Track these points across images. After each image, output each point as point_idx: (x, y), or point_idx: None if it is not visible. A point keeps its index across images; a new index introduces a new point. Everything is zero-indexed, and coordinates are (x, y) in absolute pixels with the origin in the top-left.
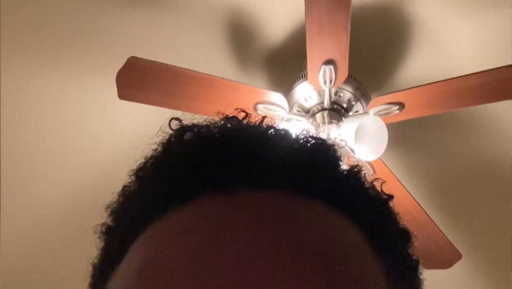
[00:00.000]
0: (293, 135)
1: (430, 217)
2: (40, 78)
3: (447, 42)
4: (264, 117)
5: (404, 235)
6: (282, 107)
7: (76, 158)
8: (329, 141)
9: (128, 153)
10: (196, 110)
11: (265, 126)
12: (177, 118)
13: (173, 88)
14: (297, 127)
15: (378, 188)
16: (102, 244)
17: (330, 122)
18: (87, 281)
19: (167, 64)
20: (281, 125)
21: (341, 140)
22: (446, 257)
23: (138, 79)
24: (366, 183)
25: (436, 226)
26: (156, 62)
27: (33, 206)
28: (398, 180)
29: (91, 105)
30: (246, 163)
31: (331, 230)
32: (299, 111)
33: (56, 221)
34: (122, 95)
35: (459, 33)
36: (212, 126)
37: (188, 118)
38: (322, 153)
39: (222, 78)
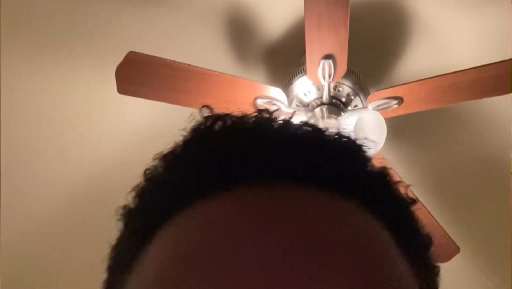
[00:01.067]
0: (326, 133)
1: (428, 211)
2: (40, 74)
3: (446, 37)
4: (293, 112)
5: (427, 240)
6: (281, 102)
7: (76, 153)
8: (359, 141)
9: (128, 147)
10: (195, 104)
11: (298, 122)
12: (208, 107)
13: (172, 83)
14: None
15: (403, 191)
16: (124, 227)
17: (329, 117)
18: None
19: (166, 59)
20: (297, 116)
21: (369, 141)
22: (444, 251)
23: (138, 74)
24: (394, 184)
25: (435, 219)
26: (155, 57)
27: (35, 201)
28: (397, 174)
29: (91, 100)
30: (280, 156)
31: (368, 230)
32: (298, 105)
33: (57, 215)
34: (122, 90)
35: (458, 28)
36: (244, 117)
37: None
38: (355, 152)
39: (221, 73)
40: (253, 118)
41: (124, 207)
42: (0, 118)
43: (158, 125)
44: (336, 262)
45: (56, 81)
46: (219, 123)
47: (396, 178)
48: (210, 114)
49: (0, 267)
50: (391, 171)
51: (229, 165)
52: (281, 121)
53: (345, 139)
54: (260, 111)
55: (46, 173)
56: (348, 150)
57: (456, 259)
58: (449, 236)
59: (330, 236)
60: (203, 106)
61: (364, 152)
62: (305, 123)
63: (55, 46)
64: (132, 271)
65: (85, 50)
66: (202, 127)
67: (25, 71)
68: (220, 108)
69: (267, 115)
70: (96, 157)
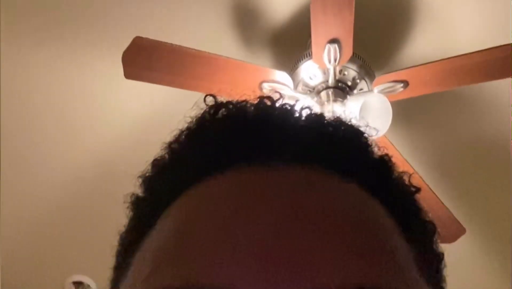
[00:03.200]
0: (327, 118)
1: (434, 192)
2: (46, 59)
3: (450, 21)
4: (297, 100)
5: (431, 227)
6: (287, 86)
7: (82, 136)
8: (361, 128)
9: (134, 131)
10: (202, 89)
11: (300, 107)
12: (211, 95)
13: (179, 67)
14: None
15: (407, 180)
16: (132, 213)
17: (334, 100)
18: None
19: (173, 44)
20: (299, 102)
21: (371, 128)
22: (450, 232)
23: (144, 59)
24: (396, 172)
25: (440, 201)
26: (162, 42)
27: (42, 185)
28: (403, 156)
29: (97, 85)
30: (281, 138)
31: (366, 209)
32: (304, 89)
33: (60, 199)
34: (128, 74)
35: (463, 11)
36: (247, 104)
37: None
38: (357, 137)
39: (228, 57)
40: (255, 105)
41: (132, 194)
42: (8, 104)
43: (165, 110)
44: (329, 230)
45: (63, 67)
46: (222, 111)
47: (399, 166)
48: (213, 102)
49: (8, 249)
50: (397, 158)
51: (229, 148)
52: (282, 107)
53: (346, 124)
54: (261, 97)
55: (53, 157)
56: (349, 134)
57: (462, 240)
58: (455, 217)
59: (326, 207)
60: (207, 95)
61: (366, 137)
62: (307, 109)
63: (61, 32)
64: (138, 250)
65: (91, 35)
66: (206, 115)
67: (32, 57)
68: (226, 92)
69: (268, 102)
70: (103, 142)
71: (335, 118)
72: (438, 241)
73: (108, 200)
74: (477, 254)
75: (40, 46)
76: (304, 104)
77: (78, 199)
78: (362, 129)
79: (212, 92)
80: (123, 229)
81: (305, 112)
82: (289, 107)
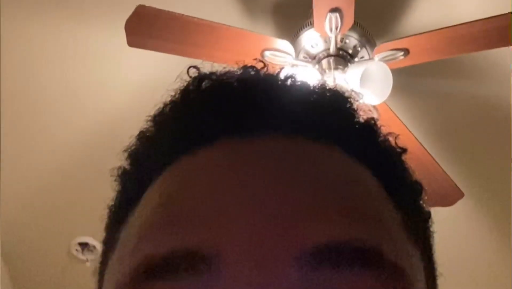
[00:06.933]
0: (311, 86)
1: (432, 157)
2: (49, 26)
3: None
4: (282, 68)
5: (417, 187)
6: (289, 54)
7: (85, 104)
8: (346, 94)
9: (137, 99)
10: (204, 57)
11: (284, 76)
12: (195, 67)
13: (181, 36)
14: (303, 73)
15: (393, 142)
16: (119, 187)
17: (336, 68)
18: (103, 222)
19: (175, 12)
20: (288, 71)
21: (356, 93)
22: (448, 195)
23: (146, 27)
24: (381, 134)
25: (439, 165)
26: (164, 10)
27: (43, 150)
28: (402, 122)
29: (100, 52)
30: (265, 108)
31: (350, 171)
32: (305, 57)
33: (63, 164)
34: (131, 42)
35: None
36: (230, 74)
37: (207, 67)
38: (341, 103)
39: (229, 25)
40: (238, 76)
41: (118, 168)
42: (10, 71)
43: (168, 78)
44: (314, 192)
45: (67, 32)
46: (206, 82)
47: (399, 132)
48: (196, 74)
49: (13, 213)
50: (397, 125)
51: (213, 120)
52: (266, 77)
53: (331, 91)
54: (245, 67)
55: (55, 122)
56: (333, 101)
57: (460, 204)
58: (453, 181)
59: (310, 172)
60: (190, 67)
61: (351, 103)
62: (291, 77)
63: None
64: (126, 224)
65: (94, 4)
66: (190, 87)
67: (35, 23)
68: (228, 60)
69: (252, 71)
70: (106, 107)
71: (319, 86)
72: (425, 200)
73: (112, 163)
74: (475, 218)
75: (43, 13)
76: (288, 73)
77: (81, 163)
78: (347, 94)
79: (214, 61)
80: (110, 203)
81: (289, 81)
82: (273, 77)
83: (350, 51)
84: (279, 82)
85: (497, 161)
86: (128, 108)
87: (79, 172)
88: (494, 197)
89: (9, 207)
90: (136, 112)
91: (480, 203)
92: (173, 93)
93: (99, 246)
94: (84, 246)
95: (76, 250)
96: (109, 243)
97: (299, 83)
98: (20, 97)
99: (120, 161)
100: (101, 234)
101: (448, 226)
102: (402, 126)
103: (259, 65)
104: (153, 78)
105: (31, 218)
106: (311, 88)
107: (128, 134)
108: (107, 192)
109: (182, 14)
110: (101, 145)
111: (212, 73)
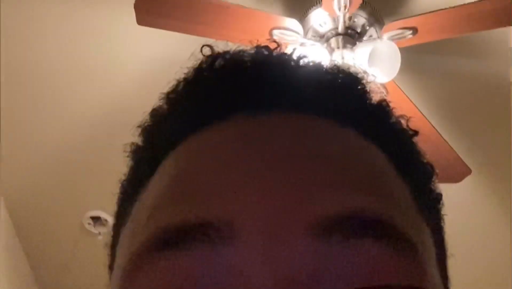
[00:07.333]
0: (324, 67)
1: (440, 135)
2: (59, 5)
3: None
4: (295, 48)
5: (429, 169)
6: (297, 33)
7: (97, 80)
8: (359, 75)
9: (149, 75)
10: (212, 35)
11: (297, 56)
12: (208, 45)
13: (190, 14)
14: (312, 51)
15: (404, 124)
16: (131, 162)
17: (344, 47)
18: (115, 196)
19: None
20: (297, 50)
21: (369, 74)
22: (456, 172)
23: (156, 6)
24: (393, 116)
25: (447, 142)
26: None
27: (55, 125)
28: (411, 100)
29: (110, 30)
30: (279, 86)
31: (363, 149)
32: (314, 36)
33: (74, 139)
34: (141, 21)
35: None
36: (244, 53)
37: (221, 47)
38: (354, 83)
39: (238, 4)
40: (251, 54)
41: (131, 144)
42: (20, 49)
43: (178, 56)
44: (327, 166)
45: (76, 11)
46: (219, 60)
47: (407, 110)
48: (210, 52)
49: (25, 188)
50: (405, 102)
51: (227, 96)
52: (280, 56)
53: (344, 72)
54: (258, 46)
55: (66, 98)
56: (347, 81)
57: (467, 181)
58: (461, 158)
59: (323, 147)
60: (204, 46)
61: (364, 83)
62: (304, 57)
63: None
64: (138, 198)
65: None
66: (203, 65)
67: (44, 3)
68: (236, 39)
69: (265, 51)
70: (118, 83)
71: (332, 66)
72: (437, 182)
73: (123, 139)
74: (481, 195)
75: None
76: (301, 53)
77: (92, 138)
78: (360, 75)
79: (223, 39)
80: (123, 178)
81: (302, 61)
82: (286, 57)
83: (359, 30)
84: (293, 61)
85: (508, 139)
86: (139, 84)
87: (90, 147)
88: (500, 174)
89: (21, 182)
90: (147, 89)
91: (486, 181)
92: (186, 71)
93: (111, 220)
94: (96, 219)
95: (88, 223)
96: (121, 216)
97: (312, 63)
98: (32, 74)
99: (132, 136)
100: (113, 208)
101: (453, 202)
102: (410, 104)
103: (273, 45)
104: (163, 56)
105: (43, 192)
106: (325, 68)
107: (139, 110)
108: (118, 166)
109: None
110: (112, 120)
111: (225, 52)
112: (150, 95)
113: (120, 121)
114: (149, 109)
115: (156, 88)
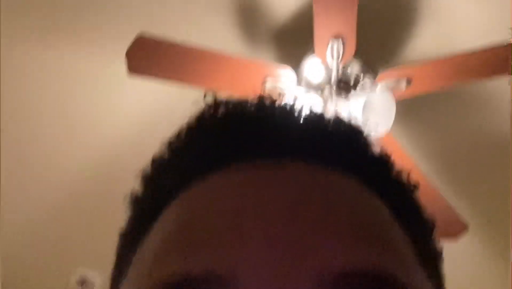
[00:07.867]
0: (327, 117)
1: (437, 190)
2: (50, 54)
3: (453, 18)
4: (296, 98)
5: (429, 224)
6: (291, 81)
7: (85, 134)
8: (361, 126)
9: (137, 130)
10: (206, 85)
11: (300, 106)
12: (211, 94)
13: (182, 64)
14: (306, 100)
15: (405, 177)
16: (131, 212)
17: (338, 97)
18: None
19: (176, 41)
20: (290, 99)
21: (371, 126)
22: (453, 229)
23: (147, 56)
24: (395, 169)
25: (443, 198)
26: (165, 38)
27: (42, 183)
28: (406, 153)
29: (100, 82)
30: (282, 135)
31: (366, 200)
32: (307, 85)
33: (62, 198)
34: (132, 71)
35: (465, 8)
36: (246, 102)
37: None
38: (357, 134)
39: (231, 54)
40: (255, 104)
41: (131, 193)
42: (9, 103)
43: (168, 109)
44: (332, 219)
45: (66, 60)
46: (222, 108)
47: (402, 162)
48: (213, 100)
49: (12, 248)
50: (400, 154)
51: (229, 145)
52: (282, 106)
53: (346, 123)
54: (261, 96)
55: (55, 155)
56: (349, 132)
57: (464, 238)
58: (457, 214)
59: (328, 199)
60: (206, 93)
61: (366, 135)
62: (306, 107)
63: (64, 25)
64: (139, 248)
65: (95, 32)
66: (205, 113)
67: (35, 50)
68: (229, 88)
69: (268, 100)
70: (106, 139)
71: (335, 117)
72: (437, 238)
73: (114, 197)
74: (478, 252)
75: (41, 43)
76: (303, 103)
77: (80, 197)
78: (361, 127)
79: (215, 89)
80: (122, 228)
81: (305, 111)
82: (289, 106)
83: (352, 80)
84: (295, 111)
85: (504, 192)
86: (128, 140)
87: (79, 206)
88: (497, 231)
89: (7, 242)
90: (136, 144)
91: (483, 237)
92: (186, 120)
93: (99, 279)
94: (82, 282)
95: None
96: (121, 267)
97: (315, 113)
98: (19, 129)
99: (121, 195)
100: (103, 267)
101: (450, 259)
102: (405, 156)
103: (275, 95)
104: (153, 109)
105: (30, 252)
106: (328, 119)
107: (128, 167)
108: (107, 226)
109: (183, 42)
110: (99, 179)
111: (228, 101)
112: (140, 155)
113: (109, 182)
114: (142, 162)
115: (146, 145)
